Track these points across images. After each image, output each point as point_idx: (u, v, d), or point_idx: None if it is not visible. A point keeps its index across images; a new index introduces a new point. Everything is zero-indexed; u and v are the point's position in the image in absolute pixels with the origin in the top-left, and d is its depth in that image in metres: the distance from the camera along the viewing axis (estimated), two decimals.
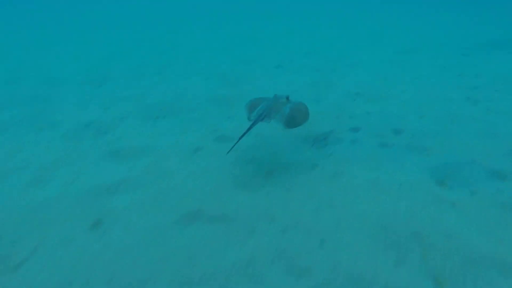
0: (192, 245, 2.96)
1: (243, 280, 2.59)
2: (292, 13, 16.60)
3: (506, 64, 7.74)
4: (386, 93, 6.09)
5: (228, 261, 2.77)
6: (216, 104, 5.97)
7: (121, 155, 4.54)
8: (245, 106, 3.86)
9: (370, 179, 3.63)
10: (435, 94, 5.96)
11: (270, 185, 3.66)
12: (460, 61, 8.16)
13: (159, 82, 7.38)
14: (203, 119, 5.41)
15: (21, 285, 2.68)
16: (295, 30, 12.37)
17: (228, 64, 8.56)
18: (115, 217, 3.37)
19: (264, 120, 3.46)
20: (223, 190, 3.64)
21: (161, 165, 4.26)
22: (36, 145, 4.88)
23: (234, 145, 3.49)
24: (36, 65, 9.30)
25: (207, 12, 18.22)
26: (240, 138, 3.43)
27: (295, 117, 3.54)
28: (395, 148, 4.24)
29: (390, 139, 4.45)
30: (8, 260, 2.92)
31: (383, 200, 3.34)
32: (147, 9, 20.16)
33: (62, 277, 2.74)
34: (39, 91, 7.16)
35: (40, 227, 3.31)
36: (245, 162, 4.10)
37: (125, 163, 4.33)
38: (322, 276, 2.59)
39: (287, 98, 3.80)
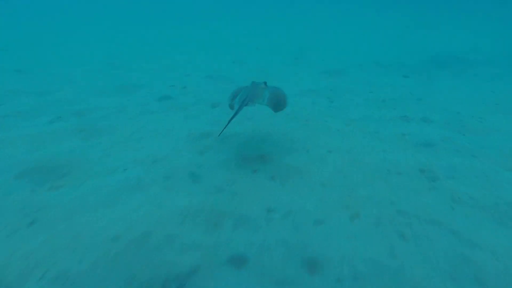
0: None
1: None
2: (205, 21, 14.34)
3: (455, 95, 6.12)
4: (303, 159, 4.06)
5: None
6: (30, 180, 3.61)
7: None
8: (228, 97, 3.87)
9: None
10: (375, 161, 4.03)
11: None
12: (403, 88, 6.40)
13: None
14: None
15: None
16: (205, 43, 10.12)
17: (99, 94, 6.16)
18: None
19: (248, 104, 3.45)
20: None
21: None
22: None
23: (224, 128, 3.37)
24: None
25: (91, 21, 15.44)
26: (229, 122, 3.28)
27: (277, 99, 3.63)
28: None
29: None
30: None
31: None
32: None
33: None
34: None
35: None
36: None
37: None
38: None
39: (265, 83, 3.85)
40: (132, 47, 9.44)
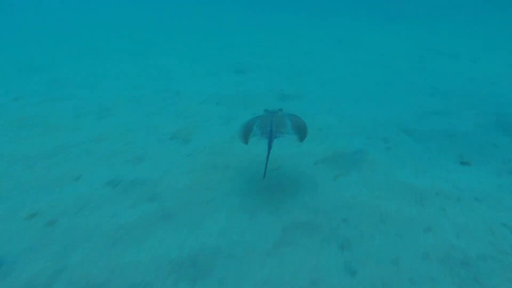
0: None
1: None
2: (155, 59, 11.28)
3: None
4: None
5: None
6: None
7: None
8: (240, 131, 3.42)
9: None
10: None
11: None
12: (478, 207, 3.31)
13: None
14: None
15: None
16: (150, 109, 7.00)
17: None
18: None
19: (277, 136, 3.21)
20: None
21: None
22: None
23: (266, 169, 3.17)
24: None
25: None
26: (267, 162, 3.12)
27: (299, 127, 3.39)
28: None
29: None
30: None
31: None
32: None
33: None
34: None
35: None
36: None
37: None
38: None
39: (281, 110, 3.68)
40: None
